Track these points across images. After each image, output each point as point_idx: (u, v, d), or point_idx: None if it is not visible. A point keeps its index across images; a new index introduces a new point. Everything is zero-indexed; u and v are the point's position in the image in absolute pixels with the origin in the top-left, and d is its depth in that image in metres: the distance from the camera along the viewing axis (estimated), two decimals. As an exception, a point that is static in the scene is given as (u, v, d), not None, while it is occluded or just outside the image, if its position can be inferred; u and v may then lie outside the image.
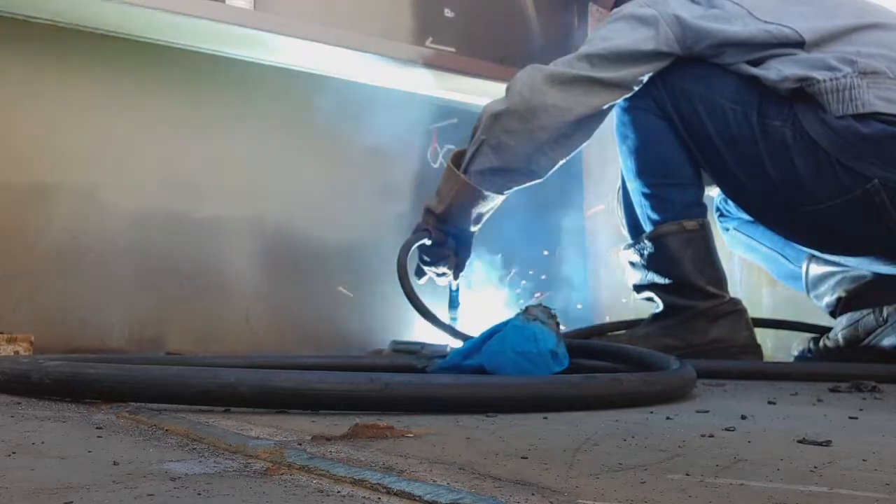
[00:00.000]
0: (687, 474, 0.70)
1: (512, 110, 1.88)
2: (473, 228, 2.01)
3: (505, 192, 1.96)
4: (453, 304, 2.12)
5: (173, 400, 1.05)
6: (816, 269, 2.15)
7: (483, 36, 2.65)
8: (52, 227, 2.09)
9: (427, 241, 1.99)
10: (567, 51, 2.02)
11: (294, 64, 2.39)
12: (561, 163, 1.94)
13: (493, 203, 1.97)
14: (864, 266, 2.01)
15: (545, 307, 1.52)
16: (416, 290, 1.99)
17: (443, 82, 2.55)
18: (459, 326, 2.05)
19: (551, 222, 2.78)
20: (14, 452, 0.76)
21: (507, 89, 1.92)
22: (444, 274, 2.06)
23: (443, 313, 2.07)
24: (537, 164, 1.91)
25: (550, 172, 1.95)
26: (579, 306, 2.77)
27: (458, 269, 2.06)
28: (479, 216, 1.99)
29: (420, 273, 2.06)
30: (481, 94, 2.60)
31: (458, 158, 1.97)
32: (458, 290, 2.12)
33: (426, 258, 2.03)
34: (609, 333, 2.21)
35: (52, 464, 0.72)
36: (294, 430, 0.90)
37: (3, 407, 1.06)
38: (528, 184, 1.96)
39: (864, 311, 2.07)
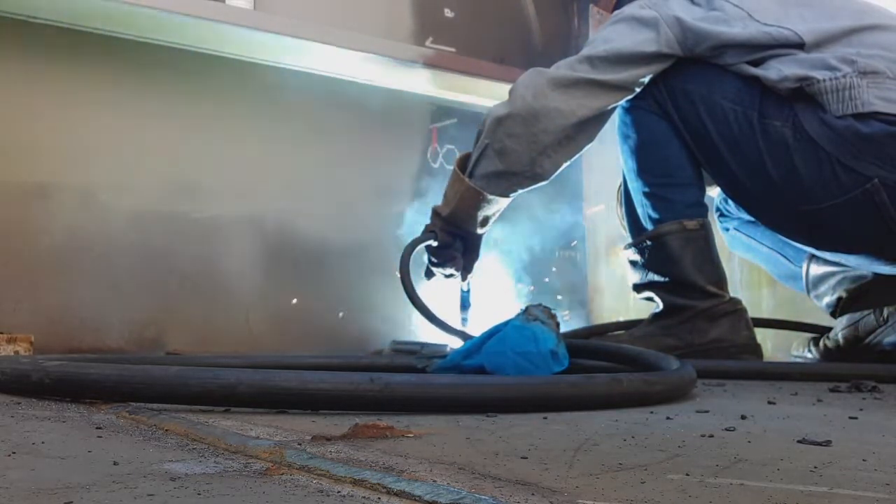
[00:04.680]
0: (687, 474, 0.70)
1: (515, 114, 1.88)
2: (480, 231, 2.01)
3: (510, 196, 1.96)
4: (464, 304, 2.12)
5: (173, 400, 1.05)
6: (816, 269, 2.15)
7: (483, 36, 2.65)
8: (52, 227, 2.09)
9: (433, 243, 2.00)
10: (567, 51, 2.02)
11: (294, 64, 2.39)
12: (565, 165, 1.95)
13: (498, 206, 1.97)
14: (864, 266, 2.01)
15: (545, 307, 1.53)
16: (418, 289, 1.99)
17: (443, 82, 2.55)
18: (469, 327, 2.05)
19: (551, 221, 2.78)
20: (14, 452, 0.76)
21: (510, 93, 1.93)
22: (451, 275, 2.06)
23: (453, 314, 2.07)
24: (541, 167, 1.91)
25: (554, 175, 1.95)
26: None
27: (465, 271, 2.07)
28: (486, 219, 1.99)
29: (429, 274, 2.07)
30: (481, 94, 2.60)
31: (463, 162, 1.98)
32: (468, 291, 2.12)
33: (434, 259, 2.04)
34: (609, 333, 2.21)
35: (52, 464, 0.72)
36: (294, 430, 0.90)
37: (3, 407, 1.06)
38: (532, 187, 1.96)
39: (865, 311, 2.07)
